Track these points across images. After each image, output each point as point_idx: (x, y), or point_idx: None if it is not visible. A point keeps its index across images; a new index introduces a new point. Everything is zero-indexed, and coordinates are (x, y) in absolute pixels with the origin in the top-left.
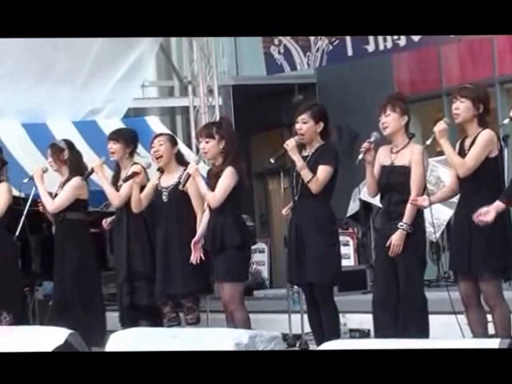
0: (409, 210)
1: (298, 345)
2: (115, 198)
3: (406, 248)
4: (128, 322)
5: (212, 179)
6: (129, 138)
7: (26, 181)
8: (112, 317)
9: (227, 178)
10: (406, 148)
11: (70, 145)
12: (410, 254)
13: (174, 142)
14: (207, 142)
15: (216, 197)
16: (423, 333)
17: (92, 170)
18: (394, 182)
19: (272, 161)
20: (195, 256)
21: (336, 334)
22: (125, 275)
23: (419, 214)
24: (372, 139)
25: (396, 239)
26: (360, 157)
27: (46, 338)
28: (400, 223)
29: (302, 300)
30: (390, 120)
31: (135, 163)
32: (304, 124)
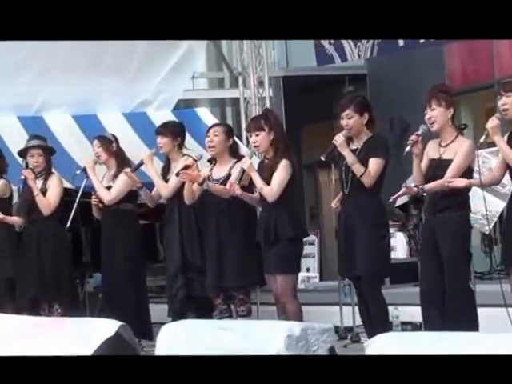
0: (433, 185)
1: (349, 337)
2: (163, 190)
3: (450, 240)
4: (178, 314)
5: (265, 172)
6: (176, 131)
7: (78, 172)
8: (161, 309)
9: (282, 171)
10: (455, 142)
11: (116, 139)
12: (455, 246)
13: (229, 134)
14: (257, 135)
15: (273, 191)
16: (472, 325)
17: (141, 162)
18: (441, 176)
19: (322, 158)
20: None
21: (387, 327)
22: (179, 266)
23: (465, 205)
24: (420, 132)
25: (403, 192)
26: (407, 149)
27: (96, 330)
28: (421, 186)
29: (353, 292)
30: (436, 114)
31: (185, 155)
32: (349, 119)
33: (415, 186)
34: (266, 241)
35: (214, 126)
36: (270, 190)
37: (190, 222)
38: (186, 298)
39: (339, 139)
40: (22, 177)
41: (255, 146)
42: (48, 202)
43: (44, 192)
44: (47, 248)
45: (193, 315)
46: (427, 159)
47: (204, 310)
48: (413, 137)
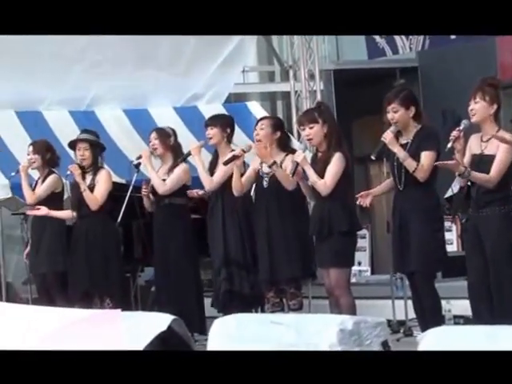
0: (479, 175)
1: (401, 331)
2: (207, 182)
3: (494, 235)
4: (221, 307)
5: (318, 165)
6: (225, 122)
7: (134, 160)
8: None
9: (336, 164)
10: None
11: (174, 132)
12: (498, 241)
13: (276, 127)
14: (311, 128)
15: (327, 184)
16: None
17: (189, 153)
18: (484, 171)
19: (373, 157)
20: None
21: (439, 321)
22: (221, 260)
23: (507, 200)
24: (461, 127)
25: (451, 163)
26: (449, 145)
27: (149, 324)
28: (469, 169)
29: (406, 286)
30: (478, 107)
31: (233, 150)
32: (395, 113)
33: (464, 166)
34: (319, 234)
35: (261, 119)
36: (324, 184)
37: (233, 216)
38: (227, 292)
39: (388, 136)
40: (68, 172)
41: (308, 139)
42: (95, 197)
43: (93, 187)
44: (96, 242)
45: (236, 309)
46: (469, 154)
47: (248, 304)
48: (454, 132)
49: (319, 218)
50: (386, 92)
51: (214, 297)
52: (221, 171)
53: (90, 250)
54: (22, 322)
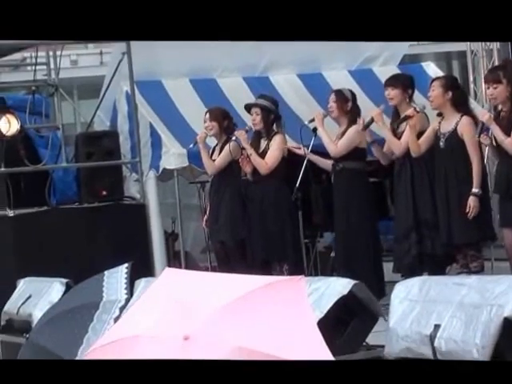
0: None
1: None
2: (396, 147)
3: None
4: (409, 270)
5: (501, 123)
6: (407, 82)
7: (307, 123)
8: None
9: None
10: None
11: (353, 96)
12: None
13: (447, 87)
14: (495, 88)
15: None
16: None
17: (372, 120)
18: None
19: None
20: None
21: None
22: (411, 223)
23: None
24: None
25: None
26: None
27: (329, 289)
28: None
29: None
30: None
31: (414, 108)
32: None
33: None
34: (506, 193)
35: (433, 80)
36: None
37: (422, 177)
38: (418, 255)
39: None
40: (234, 137)
41: (493, 99)
42: (263, 161)
43: (265, 152)
44: (270, 208)
45: (426, 271)
46: None
47: (439, 265)
48: None
49: (506, 177)
50: None
51: (398, 261)
52: (406, 134)
53: (265, 217)
54: (204, 288)
